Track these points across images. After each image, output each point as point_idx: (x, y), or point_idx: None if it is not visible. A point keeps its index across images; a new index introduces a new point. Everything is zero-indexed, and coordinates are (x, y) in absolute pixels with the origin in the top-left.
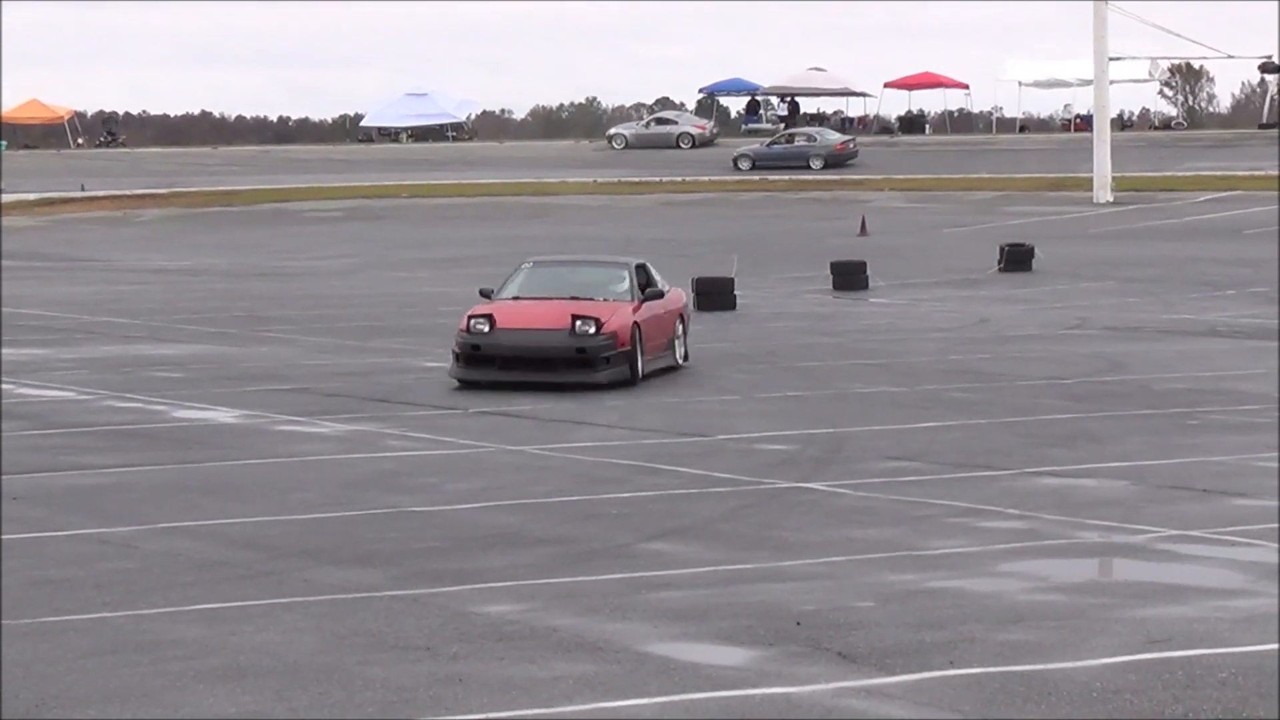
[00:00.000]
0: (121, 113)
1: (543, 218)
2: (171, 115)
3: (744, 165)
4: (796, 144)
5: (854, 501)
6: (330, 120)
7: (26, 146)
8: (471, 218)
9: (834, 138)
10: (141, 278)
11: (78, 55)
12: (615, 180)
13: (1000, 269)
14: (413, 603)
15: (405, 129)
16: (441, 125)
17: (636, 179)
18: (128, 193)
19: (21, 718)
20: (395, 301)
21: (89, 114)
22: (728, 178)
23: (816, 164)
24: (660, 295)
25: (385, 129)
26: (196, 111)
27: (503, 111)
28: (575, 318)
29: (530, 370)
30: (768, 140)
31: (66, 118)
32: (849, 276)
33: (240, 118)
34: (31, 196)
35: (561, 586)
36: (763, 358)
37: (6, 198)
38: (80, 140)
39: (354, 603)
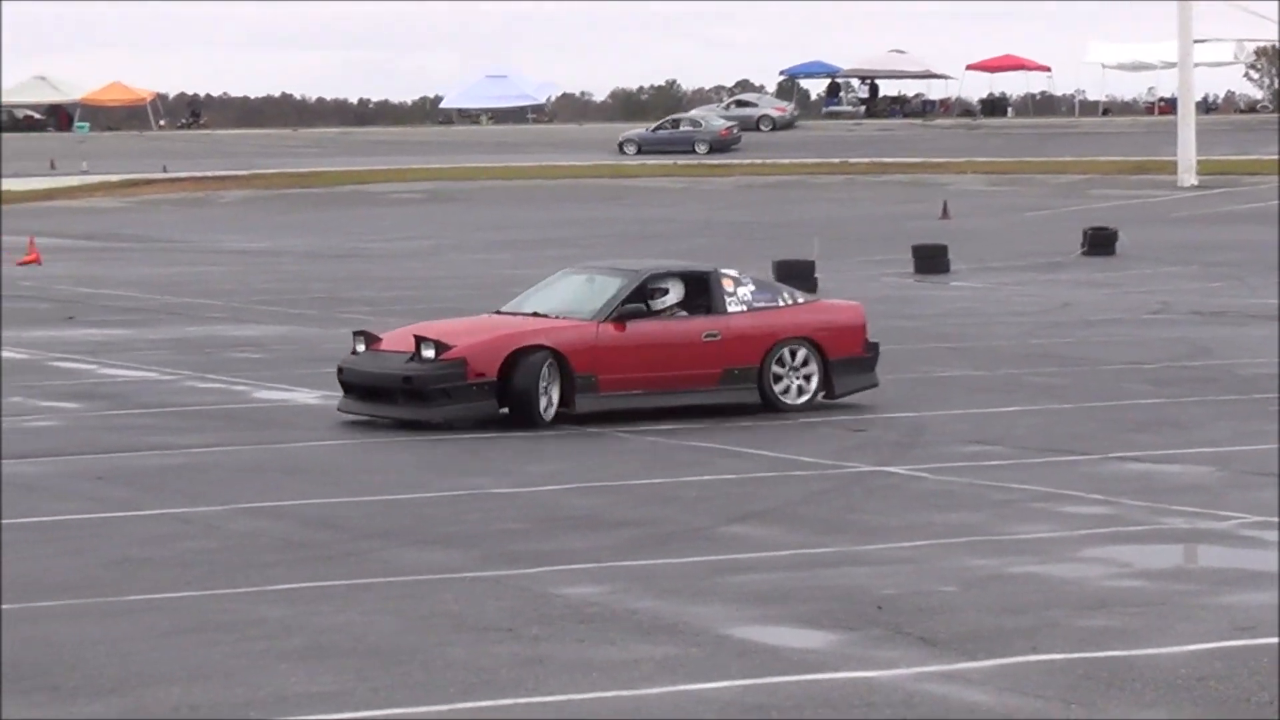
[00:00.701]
0: (203, 95)
1: (623, 200)
2: (252, 97)
3: (629, 150)
4: (682, 129)
5: (935, 485)
6: (410, 102)
7: (109, 128)
8: (551, 200)
9: (719, 124)
10: (222, 259)
11: (160, 38)
12: (695, 163)
13: (1083, 253)
14: (494, 584)
15: (485, 111)
16: (521, 107)
17: (716, 162)
18: (209, 174)
19: (105, 694)
20: (474, 284)
21: (171, 96)
22: (807, 160)
23: (701, 149)
24: (704, 310)
25: (465, 111)
26: (277, 94)
27: (582, 94)
28: (419, 340)
29: (374, 403)
30: (652, 126)
31: (149, 100)
32: (930, 260)
33: (320, 100)
34: (114, 178)
35: (642, 569)
36: None
37: (91, 179)
38: (162, 122)
39: (434, 584)
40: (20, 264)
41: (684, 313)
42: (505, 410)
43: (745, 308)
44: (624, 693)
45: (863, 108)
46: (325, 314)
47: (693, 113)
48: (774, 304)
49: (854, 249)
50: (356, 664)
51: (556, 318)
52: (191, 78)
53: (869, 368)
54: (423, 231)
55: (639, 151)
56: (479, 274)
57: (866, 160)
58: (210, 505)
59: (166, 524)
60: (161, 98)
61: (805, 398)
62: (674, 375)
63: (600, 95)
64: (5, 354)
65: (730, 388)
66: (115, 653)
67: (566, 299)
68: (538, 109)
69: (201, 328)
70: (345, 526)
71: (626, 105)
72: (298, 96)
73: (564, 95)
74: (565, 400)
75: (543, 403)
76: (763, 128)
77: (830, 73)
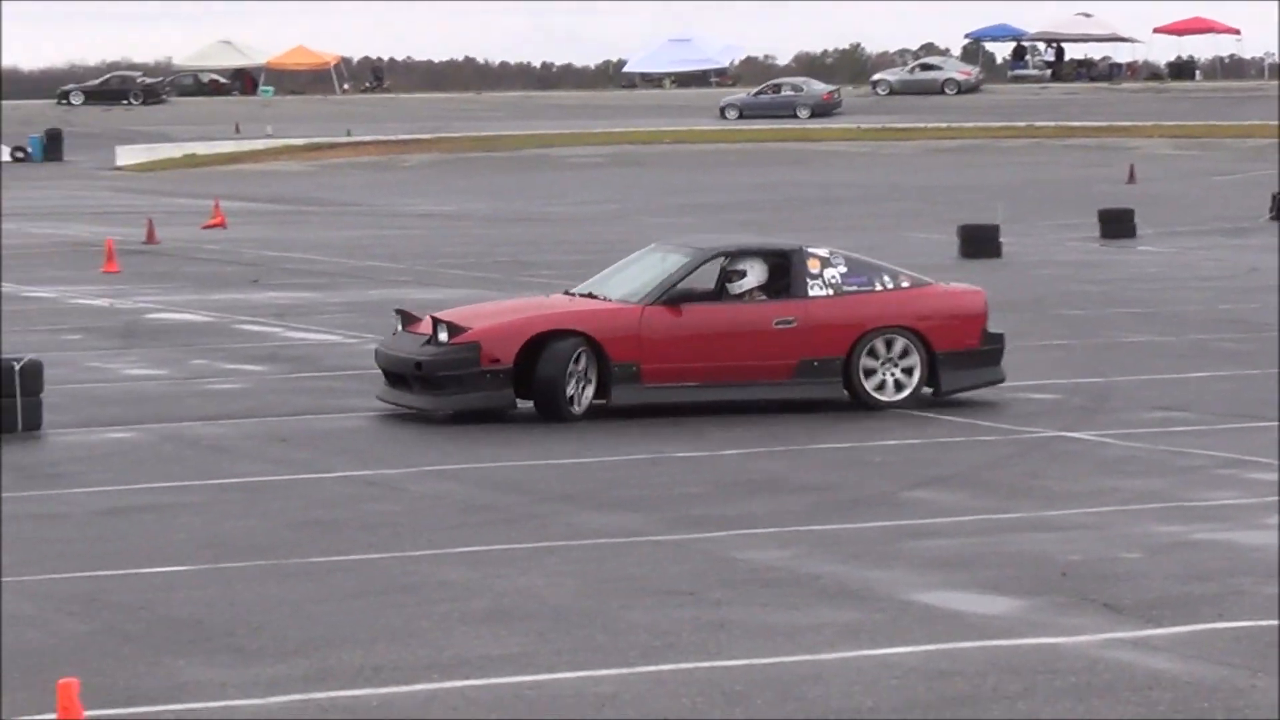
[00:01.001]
0: (386, 59)
1: (807, 164)
2: (436, 61)
3: (730, 115)
4: (783, 94)
5: (1120, 451)
6: (593, 66)
7: (293, 92)
8: (735, 164)
9: (820, 88)
10: (405, 222)
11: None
12: (879, 127)
13: (1271, 217)
14: (676, 548)
15: (668, 75)
16: (704, 71)
17: (901, 125)
18: (392, 138)
19: (289, 655)
20: None
21: (355, 60)
22: (992, 124)
23: (803, 114)
24: (772, 294)
25: (648, 75)
26: (460, 57)
27: (766, 57)
28: (435, 322)
29: (397, 389)
30: (754, 91)
31: (333, 64)
32: (1116, 224)
33: (504, 63)
34: (298, 141)
35: (825, 534)
36: (1028, 306)
37: (275, 142)
38: (346, 86)
39: (617, 547)
40: (205, 227)
41: (764, 296)
42: (529, 402)
43: (832, 291)
44: (806, 657)
45: (1048, 71)
46: (508, 277)
47: (795, 79)
48: (869, 288)
49: (1039, 213)
50: (539, 627)
51: (608, 300)
52: (375, 42)
53: (988, 361)
54: (606, 195)
55: (740, 116)
56: (662, 237)
57: (1052, 124)
58: (394, 468)
59: (351, 486)
60: (345, 61)
61: (904, 393)
62: (736, 366)
63: (784, 59)
64: (191, 316)
65: (808, 381)
66: (299, 614)
67: (635, 279)
68: (721, 73)
69: (385, 291)
70: (528, 489)
71: (810, 69)
72: (481, 60)
73: (748, 59)
74: (602, 391)
75: (574, 393)
76: (948, 91)
77: (1016, 36)
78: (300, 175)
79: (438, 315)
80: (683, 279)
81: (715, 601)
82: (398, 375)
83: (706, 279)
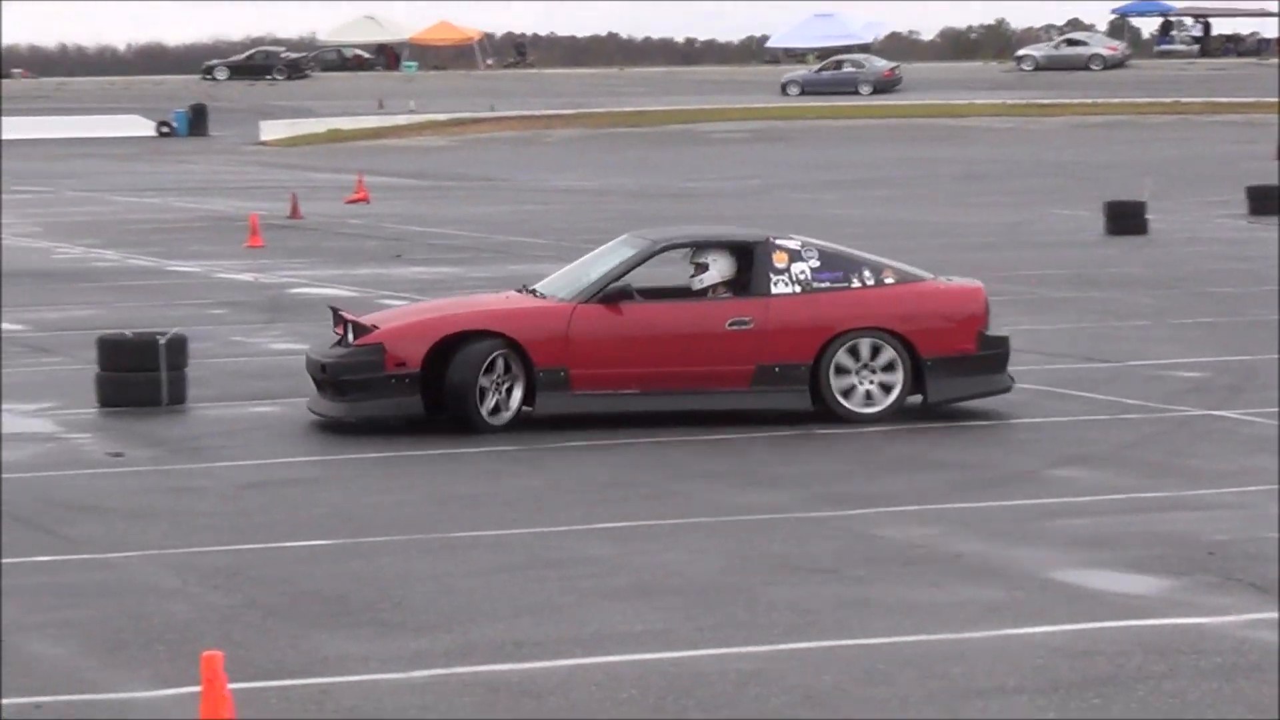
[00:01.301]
0: (529, 34)
1: (950, 140)
2: (579, 36)
3: (792, 91)
4: (845, 70)
5: (1267, 430)
6: (736, 42)
7: (436, 68)
8: (879, 140)
9: (881, 65)
10: (548, 198)
11: None
12: (1024, 102)
13: None
14: (818, 525)
15: (811, 50)
16: (848, 46)
17: (1046, 101)
18: (535, 113)
19: (431, 630)
20: (801, 223)
21: (498, 36)
22: (1138, 99)
23: (865, 90)
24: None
25: (791, 50)
26: (603, 33)
27: (910, 33)
28: (345, 321)
29: (319, 394)
30: (816, 67)
31: (476, 39)
32: (1266, 201)
33: (647, 39)
34: (441, 117)
35: (967, 512)
36: (1175, 283)
37: (418, 118)
38: (489, 61)
39: (760, 524)
40: (348, 202)
41: (728, 294)
42: (442, 409)
43: (799, 288)
44: (949, 636)
45: (1196, 46)
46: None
47: (855, 55)
48: (844, 284)
49: (1186, 190)
50: (681, 603)
51: (547, 298)
52: (518, 17)
53: (987, 368)
54: (749, 171)
55: (802, 93)
56: (806, 213)
57: (1199, 100)
58: (536, 443)
59: (493, 461)
60: (488, 37)
61: (884, 405)
62: (681, 372)
63: (928, 34)
64: (334, 291)
65: (767, 389)
66: (442, 589)
67: (583, 276)
68: (864, 48)
69: (527, 266)
70: (671, 465)
71: (955, 44)
72: (624, 36)
73: (891, 34)
74: (532, 398)
75: (491, 401)
76: (1093, 67)
77: (1163, 11)
78: (443, 150)
79: (345, 312)
80: (622, 275)
81: (857, 579)
82: (316, 381)
83: (681, 276)
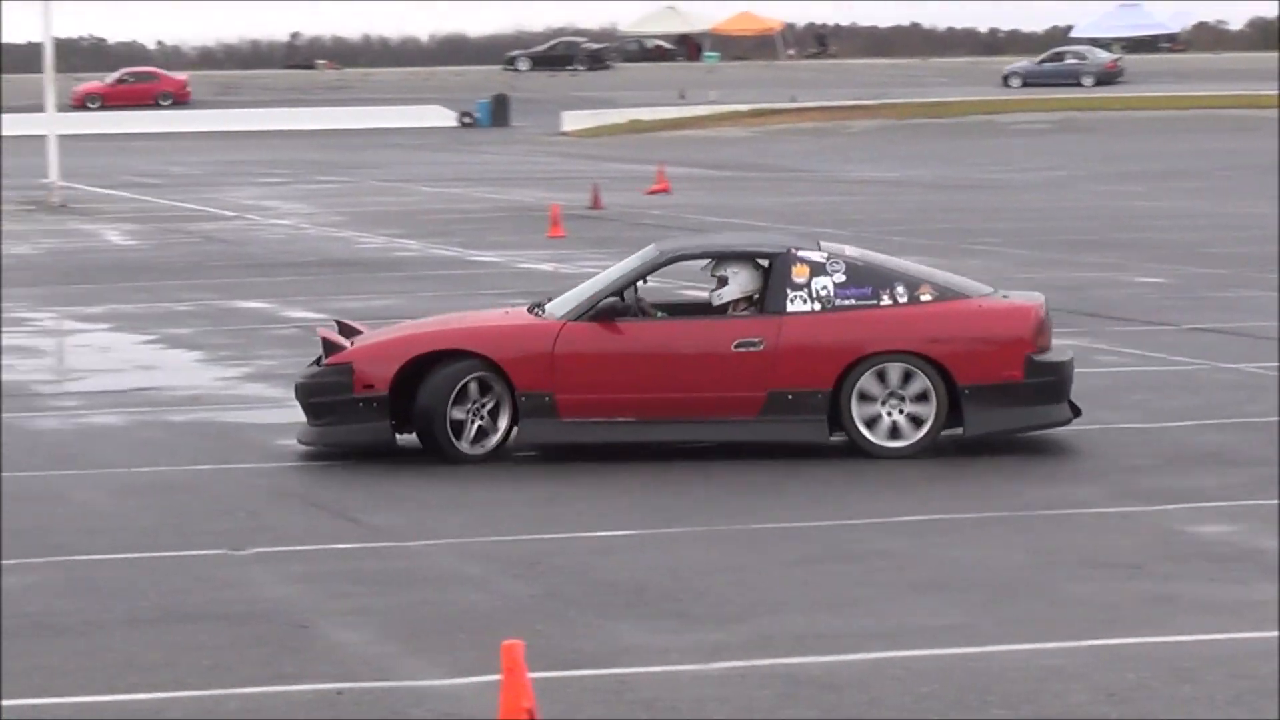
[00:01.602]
0: (831, 24)
1: (1253, 131)
2: (880, 27)
3: (1014, 83)
4: (1067, 62)
5: None
6: (1040, 31)
7: (737, 58)
8: (1182, 130)
9: (1104, 56)
10: (848, 188)
11: None
12: None
13: None
14: (1122, 520)
15: (1116, 40)
16: (1154, 36)
17: None
18: (836, 104)
19: (729, 621)
20: (1105, 215)
21: (799, 26)
22: None
23: (1087, 81)
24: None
25: (1096, 40)
26: (906, 23)
27: (1218, 22)
28: (326, 344)
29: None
30: (1039, 59)
31: (777, 30)
32: None
33: (950, 29)
34: (742, 107)
35: (1274, 509)
36: None
37: (719, 108)
38: (790, 51)
39: (1063, 519)
40: (649, 193)
41: (749, 310)
42: (413, 436)
43: (818, 306)
44: (1255, 635)
45: None
46: (949, 244)
47: (1078, 47)
48: (871, 302)
49: None
50: (981, 597)
51: (543, 315)
52: (820, 8)
53: (1039, 398)
54: (1052, 162)
55: (1024, 85)
56: (1109, 205)
57: None
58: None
59: (794, 452)
60: (790, 27)
61: (914, 439)
62: (682, 399)
63: (1237, 24)
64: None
65: (779, 418)
66: (741, 581)
67: (586, 290)
68: (1170, 38)
69: None
70: (974, 457)
71: (1264, 34)
72: (926, 26)
73: (1199, 24)
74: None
75: (472, 428)
76: None
77: None
78: (743, 141)
79: (321, 329)
80: (620, 290)
81: (1163, 575)
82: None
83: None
